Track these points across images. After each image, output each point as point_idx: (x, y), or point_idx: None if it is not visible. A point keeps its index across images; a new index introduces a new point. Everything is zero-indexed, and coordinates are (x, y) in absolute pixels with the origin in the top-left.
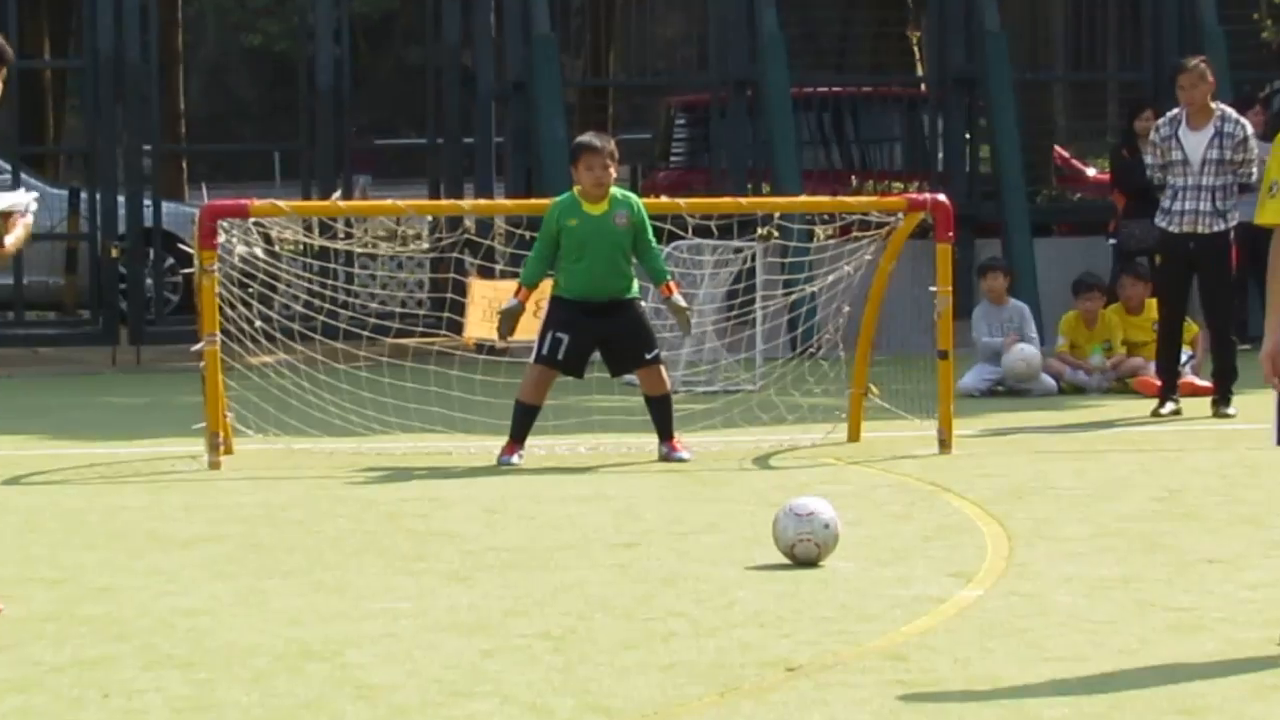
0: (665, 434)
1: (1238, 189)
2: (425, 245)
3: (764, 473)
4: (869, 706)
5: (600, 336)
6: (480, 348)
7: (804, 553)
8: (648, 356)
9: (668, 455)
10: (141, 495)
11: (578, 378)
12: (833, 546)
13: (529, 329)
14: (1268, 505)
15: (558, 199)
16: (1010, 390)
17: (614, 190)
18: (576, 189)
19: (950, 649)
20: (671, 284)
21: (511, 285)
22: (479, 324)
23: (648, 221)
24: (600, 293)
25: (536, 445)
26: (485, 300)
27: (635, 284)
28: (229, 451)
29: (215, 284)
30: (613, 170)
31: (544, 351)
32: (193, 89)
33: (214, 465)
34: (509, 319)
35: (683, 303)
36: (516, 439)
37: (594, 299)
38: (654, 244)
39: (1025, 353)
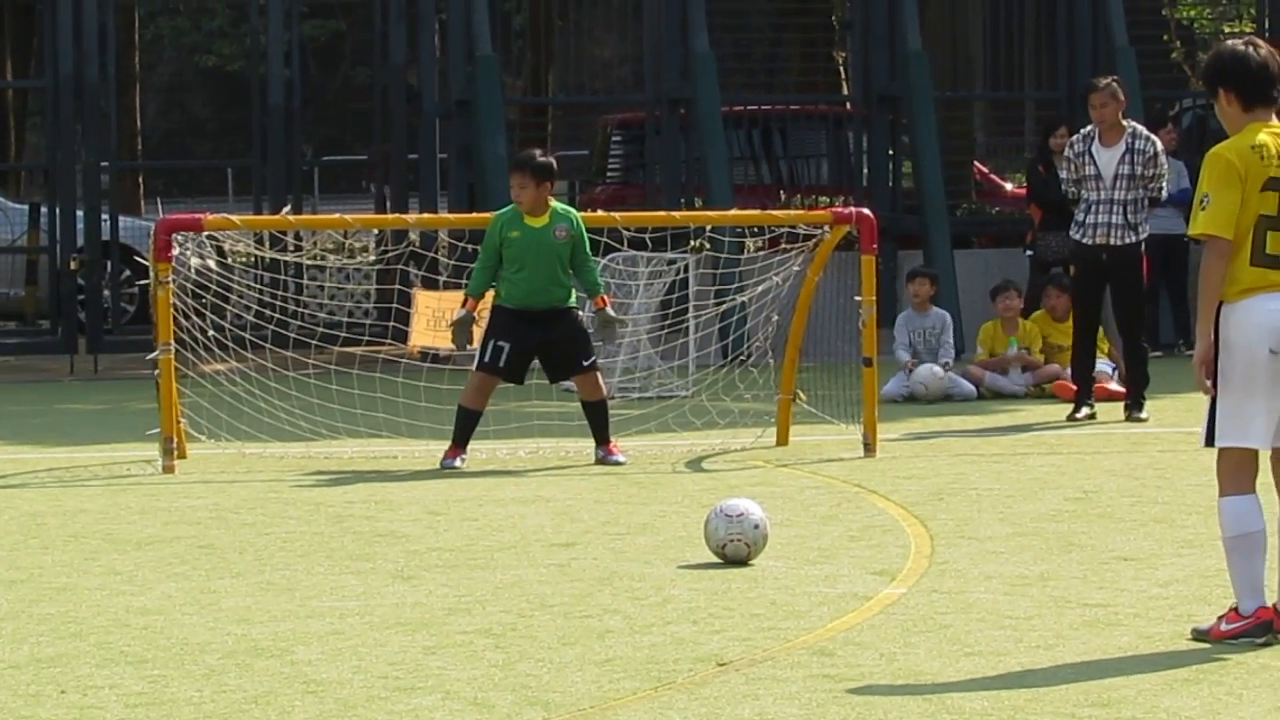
0: (602, 438)
1: (1148, 203)
2: (371, 258)
3: (696, 475)
4: (797, 700)
5: (539, 344)
6: (424, 355)
7: (734, 552)
8: (585, 363)
9: (604, 459)
10: (98, 498)
11: (518, 384)
12: (762, 546)
13: (472, 337)
14: (1178, 505)
15: (500, 212)
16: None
17: (554, 204)
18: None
19: (875, 644)
20: (605, 297)
21: (455, 295)
22: (423, 333)
23: (585, 236)
24: (540, 302)
25: (478, 449)
26: (429, 310)
27: (573, 294)
28: (182, 456)
29: (170, 295)
30: (547, 186)
31: (486, 359)
32: (149, 108)
33: (168, 469)
34: (462, 329)
35: (613, 314)
36: (459, 443)
37: (534, 308)
38: (590, 258)
39: (929, 374)
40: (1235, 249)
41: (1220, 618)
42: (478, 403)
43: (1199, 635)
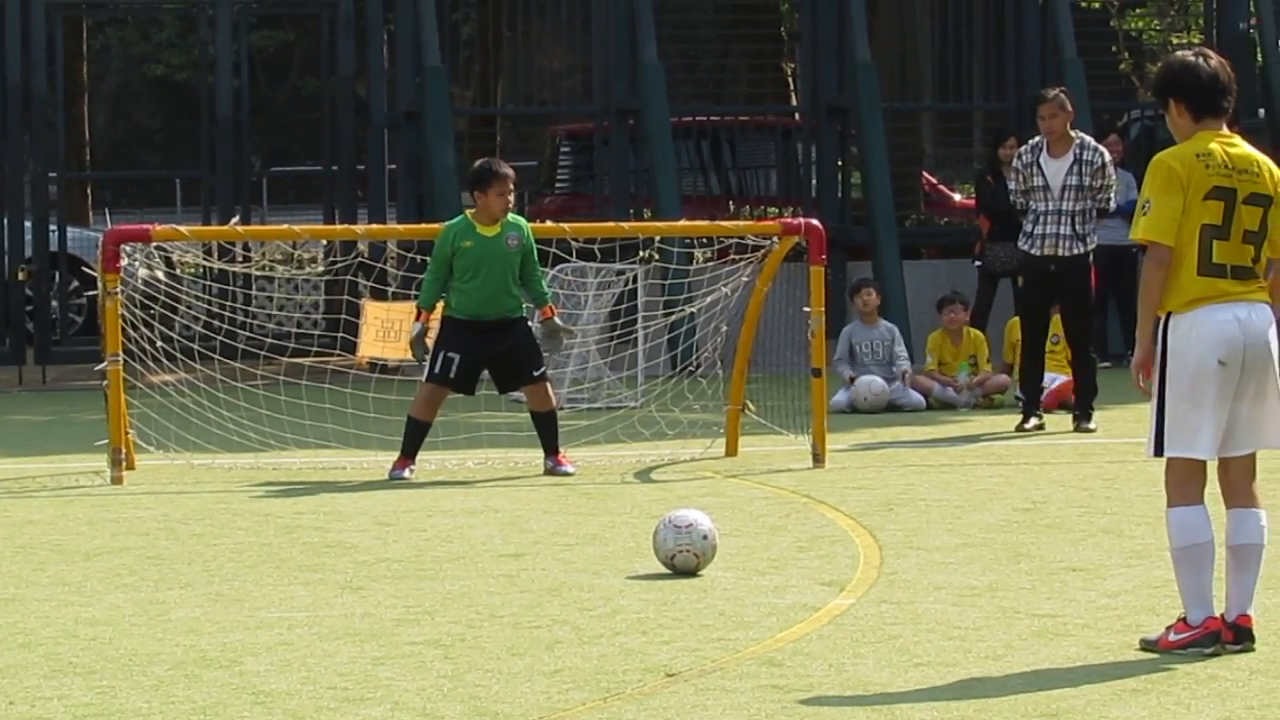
0: (551, 449)
1: (1096, 214)
2: (320, 268)
3: (645, 486)
4: (746, 711)
5: (490, 355)
6: (373, 366)
7: (683, 563)
8: (535, 374)
9: (554, 469)
10: (46, 509)
11: (468, 394)
12: (711, 557)
13: (405, 349)
14: (1126, 516)
15: (450, 223)
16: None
17: (506, 214)
18: (470, 213)
19: (824, 655)
20: (552, 307)
21: (404, 306)
22: (372, 344)
23: (534, 245)
24: (491, 311)
25: (426, 460)
26: (378, 321)
27: (523, 304)
28: (131, 467)
29: (118, 306)
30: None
31: (436, 370)
32: (98, 118)
33: (117, 480)
34: (419, 343)
35: (560, 323)
36: (408, 454)
37: (485, 318)
38: (538, 267)
39: (867, 387)
40: (1179, 259)
41: (1169, 628)
42: (427, 414)
43: (1147, 645)
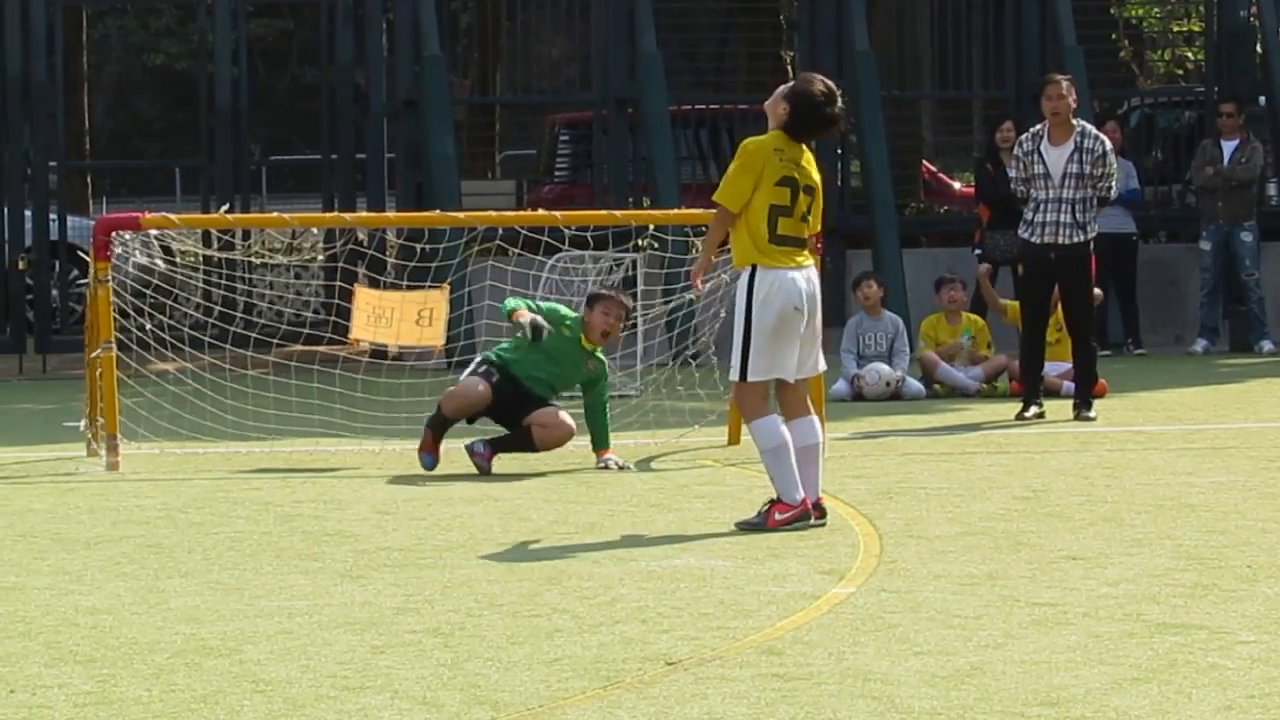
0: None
1: (1097, 202)
2: (321, 258)
3: (644, 475)
4: (746, 700)
5: (509, 410)
6: (375, 353)
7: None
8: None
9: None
10: (47, 498)
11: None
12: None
13: (412, 335)
14: (1126, 504)
15: (567, 310)
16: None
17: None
18: (584, 318)
19: (824, 643)
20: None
21: (396, 295)
22: (365, 326)
23: (606, 394)
24: (529, 388)
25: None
26: (369, 307)
27: (551, 399)
28: (95, 455)
29: (109, 293)
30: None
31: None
32: (97, 107)
33: (112, 466)
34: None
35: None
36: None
37: (523, 391)
38: (606, 411)
39: (883, 373)
40: (756, 228)
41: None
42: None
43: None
